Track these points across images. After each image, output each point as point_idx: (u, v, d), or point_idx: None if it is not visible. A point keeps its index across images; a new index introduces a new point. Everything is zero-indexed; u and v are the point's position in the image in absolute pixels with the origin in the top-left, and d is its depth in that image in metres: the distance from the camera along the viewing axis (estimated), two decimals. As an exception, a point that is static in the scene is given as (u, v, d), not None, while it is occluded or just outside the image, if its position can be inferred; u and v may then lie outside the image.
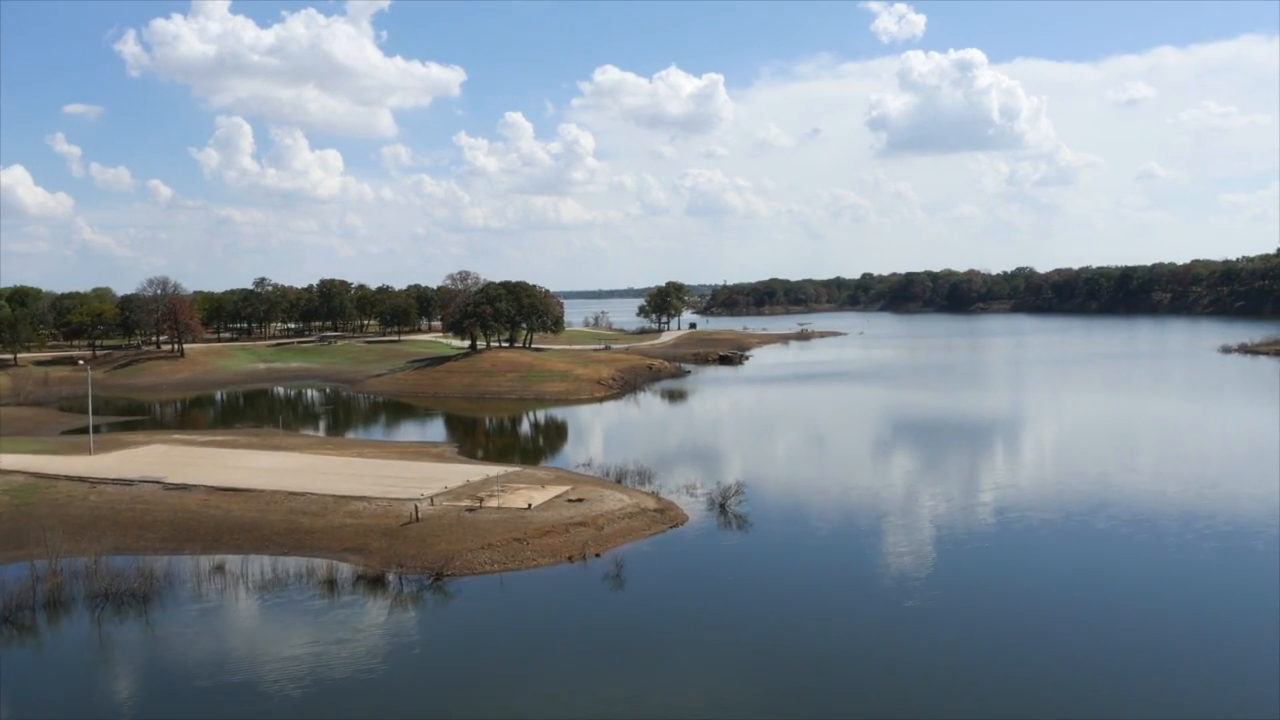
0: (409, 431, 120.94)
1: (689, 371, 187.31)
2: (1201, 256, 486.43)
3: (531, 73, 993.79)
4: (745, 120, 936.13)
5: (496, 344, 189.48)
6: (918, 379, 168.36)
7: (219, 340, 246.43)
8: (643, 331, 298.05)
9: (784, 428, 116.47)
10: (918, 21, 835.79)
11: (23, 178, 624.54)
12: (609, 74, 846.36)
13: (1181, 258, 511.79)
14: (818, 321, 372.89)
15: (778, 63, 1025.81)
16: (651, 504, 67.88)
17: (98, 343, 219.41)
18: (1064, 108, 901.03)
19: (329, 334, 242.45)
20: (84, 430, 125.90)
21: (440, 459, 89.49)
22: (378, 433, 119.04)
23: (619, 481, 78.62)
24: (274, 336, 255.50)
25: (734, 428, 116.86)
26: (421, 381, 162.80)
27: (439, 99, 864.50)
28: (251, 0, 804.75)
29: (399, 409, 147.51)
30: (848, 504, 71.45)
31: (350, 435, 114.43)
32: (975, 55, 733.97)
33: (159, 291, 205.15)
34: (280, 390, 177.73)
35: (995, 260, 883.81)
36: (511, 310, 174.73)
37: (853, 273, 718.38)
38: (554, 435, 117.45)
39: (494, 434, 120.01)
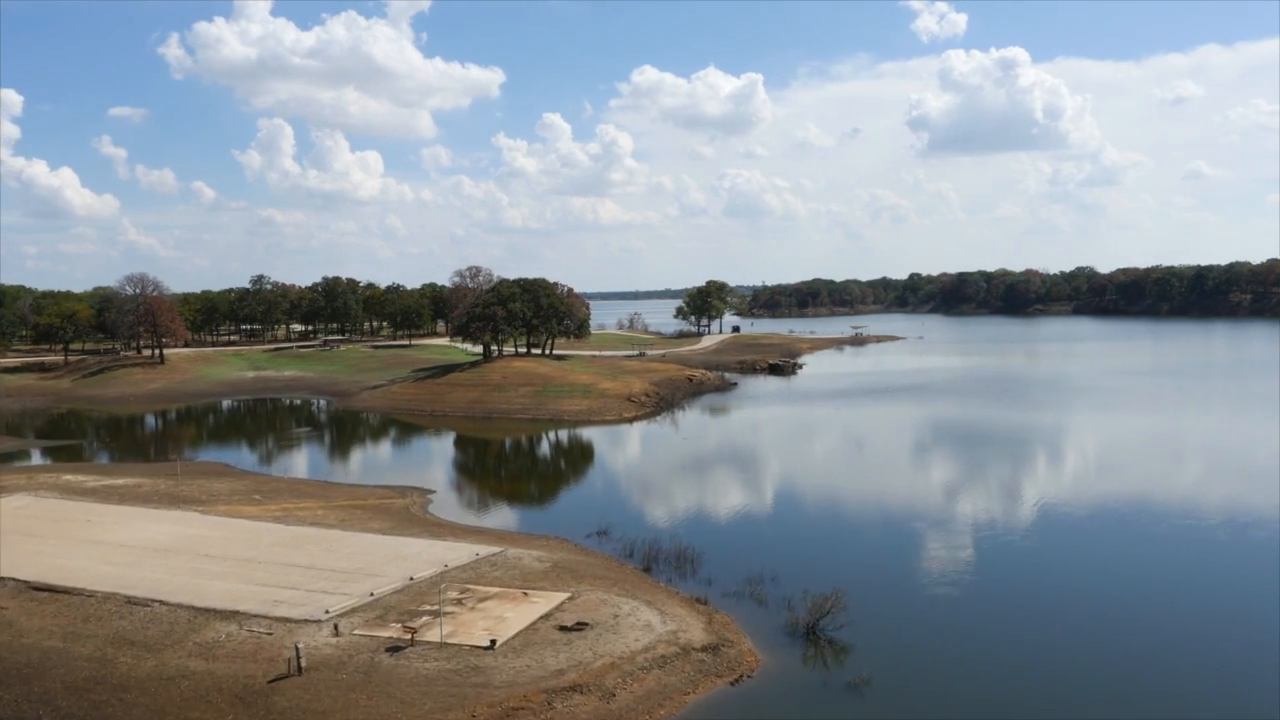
0: (382, 465, 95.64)
1: (734, 384, 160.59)
2: (1248, 258, 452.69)
3: (570, 74, 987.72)
4: (784, 120, 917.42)
5: (514, 350, 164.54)
6: (1011, 396, 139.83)
7: (214, 345, 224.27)
8: (681, 335, 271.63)
9: (871, 470, 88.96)
10: (959, 20, 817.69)
11: (70, 179, 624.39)
12: (647, 74, 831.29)
13: (1227, 259, 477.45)
14: (869, 324, 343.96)
15: (815, 63, 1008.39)
16: (698, 631, 41.67)
17: (72, 347, 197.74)
18: (1108, 107, 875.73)
19: (333, 338, 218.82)
20: (5, 458, 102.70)
21: (398, 521, 63.93)
22: (342, 467, 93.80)
23: (647, 570, 52.79)
24: (282, 340, 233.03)
25: (802, 468, 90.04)
26: (420, 396, 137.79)
27: (478, 100, 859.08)
28: (292, 2, 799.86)
29: (385, 431, 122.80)
30: (1016, 624, 44.80)
31: (301, 472, 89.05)
32: (1018, 54, 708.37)
33: (137, 290, 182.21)
34: (260, 404, 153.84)
35: (1037, 261, 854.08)
36: (527, 312, 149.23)
37: (892, 273, 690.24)
38: (564, 476, 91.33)
39: (486, 472, 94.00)
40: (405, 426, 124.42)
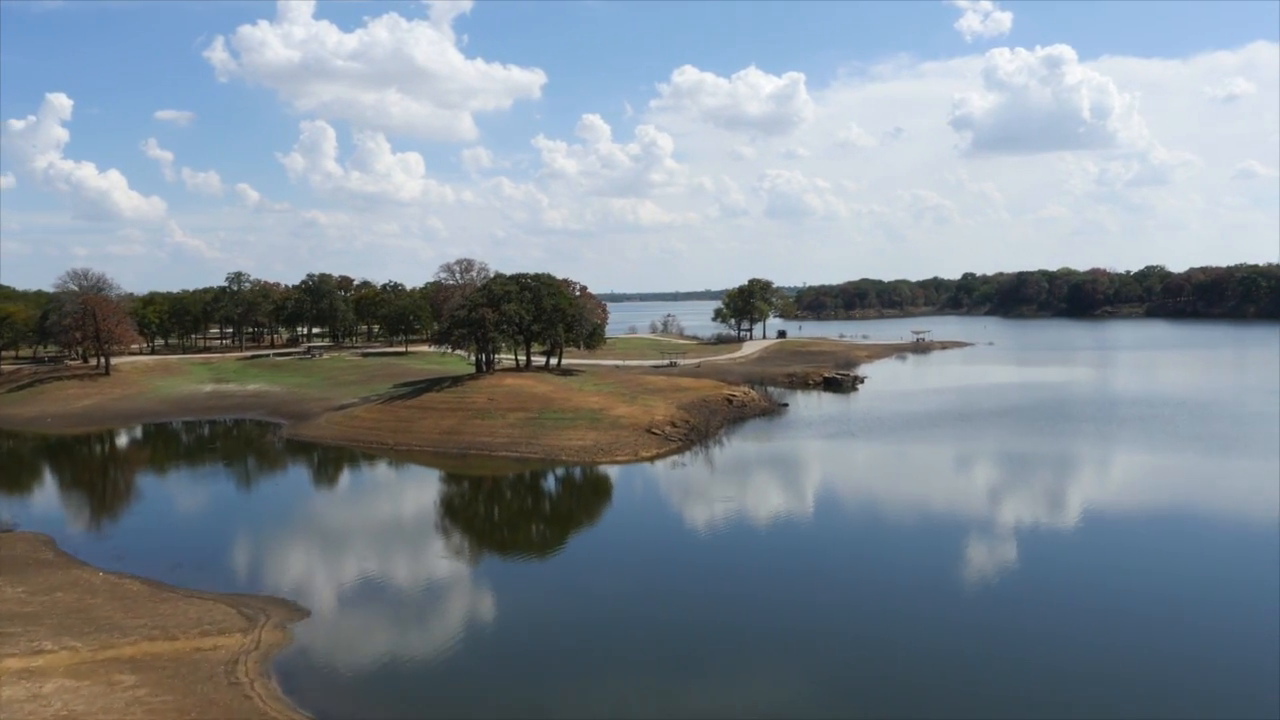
0: (268, 542, 65.32)
1: (784, 405, 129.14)
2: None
3: (610, 74, 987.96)
4: (825, 121, 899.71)
5: (514, 361, 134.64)
6: (1177, 426, 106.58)
7: (185, 351, 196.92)
8: (720, 340, 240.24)
9: (1040, 594, 55.30)
10: (1003, 19, 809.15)
11: (118, 182, 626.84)
12: (687, 74, 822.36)
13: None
14: (922, 326, 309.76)
15: (855, 63, 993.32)
16: None
17: (22, 354, 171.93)
18: (1156, 105, 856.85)
19: (317, 345, 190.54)
20: None
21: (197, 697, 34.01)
22: (211, 542, 63.73)
23: None
24: (278, 345, 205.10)
25: (922, 578, 57.37)
26: (383, 422, 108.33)
27: (519, 101, 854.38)
28: (335, 5, 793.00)
29: (317, 475, 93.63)
30: None
31: (148, 552, 59.08)
32: (1064, 51, 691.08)
33: (80, 289, 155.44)
34: (197, 429, 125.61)
35: (1084, 261, 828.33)
36: (526, 316, 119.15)
37: (933, 274, 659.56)
38: (526, 581, 59.65)
39: (411, 563, 61.18)
40: (350, 467, 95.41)
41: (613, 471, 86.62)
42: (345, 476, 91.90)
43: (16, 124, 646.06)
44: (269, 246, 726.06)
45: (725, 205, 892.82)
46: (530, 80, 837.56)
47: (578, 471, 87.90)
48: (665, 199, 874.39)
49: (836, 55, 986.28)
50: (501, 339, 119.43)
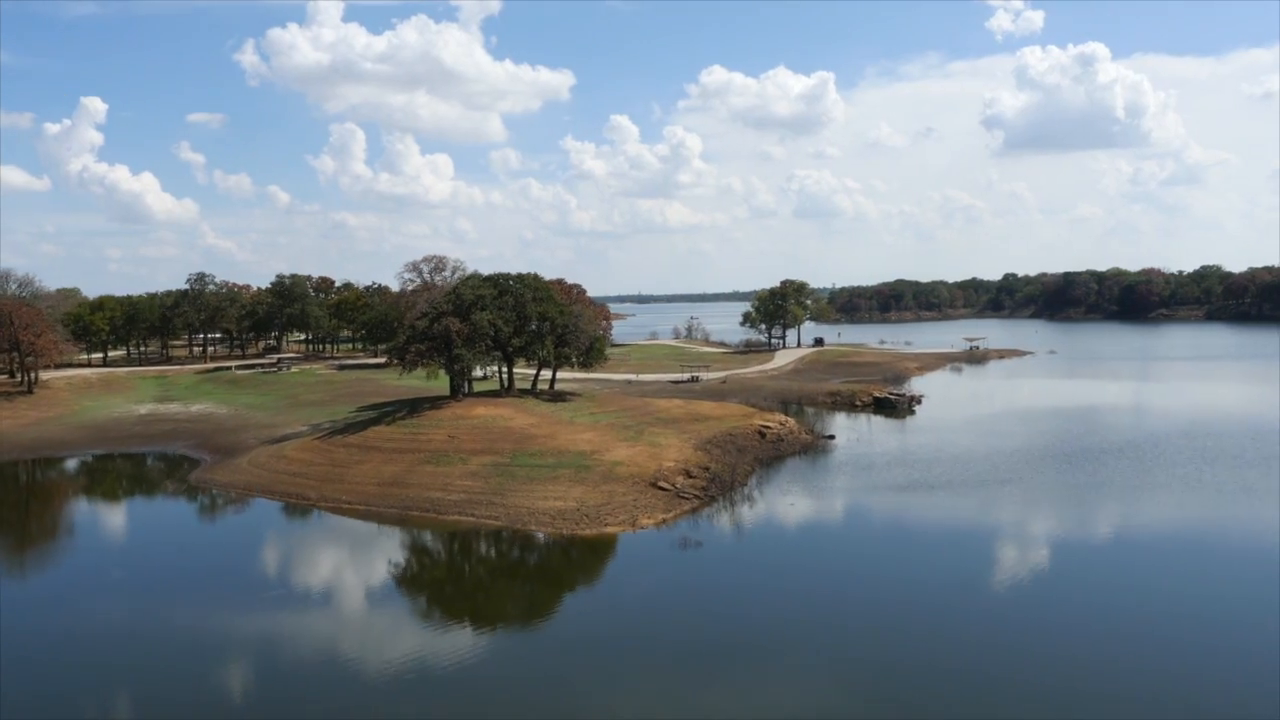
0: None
1: (829, 438, 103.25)
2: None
3: (638, 75, 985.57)
4: (855, 120, 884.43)
5: (500, 378, 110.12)
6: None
7: (145, 362, 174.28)
8: (749, 348, 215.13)
9: None
10: (1035, 18, 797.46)
11: (151, 184, 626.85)
12: (716, 75, 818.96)
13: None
14: (968, 330, 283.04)
15: (884, 63, 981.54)
16: None
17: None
18: (1191, 103, 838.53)
19: (287, 356, 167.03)
20: None
21: None
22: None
23: None
24: (242, 356, 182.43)
25: None
26: (313, 467, 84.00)
27: (548, 103, 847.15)
28: (364, 7, 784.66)
29: (169, 561, 68.92)
30: None
31: None
32: (1097, 49, 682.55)
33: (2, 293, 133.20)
34: (95, 468, 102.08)
35: (1117, 261, 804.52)
36: (505, 327, 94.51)
37: (964, 274, 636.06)
38: None
39: None
40: (238, 541, 70.95)
41: (594, 551, 61.86)
42: (215, 566, 66.26)
43: (52, 128, 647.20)
44: (299, 248, 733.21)
45: (754, 206, 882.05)
46: (558, 81, 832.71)
47: (545, 550, 63.30)
48: (693, 200, 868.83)
49: (865, 55, 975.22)
50: (472, 357, 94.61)
